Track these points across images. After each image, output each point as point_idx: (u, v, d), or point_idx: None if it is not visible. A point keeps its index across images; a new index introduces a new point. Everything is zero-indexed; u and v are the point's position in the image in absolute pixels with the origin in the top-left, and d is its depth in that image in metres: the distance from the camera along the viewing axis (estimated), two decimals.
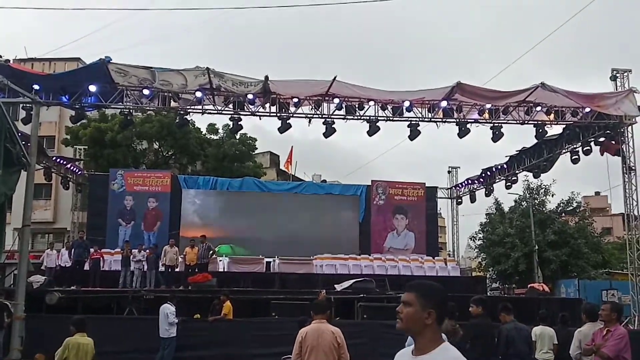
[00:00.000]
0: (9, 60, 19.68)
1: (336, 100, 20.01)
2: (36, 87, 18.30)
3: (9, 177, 13.74)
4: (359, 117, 20.37)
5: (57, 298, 16.36)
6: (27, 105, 18.51)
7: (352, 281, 18.50)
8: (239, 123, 20.26)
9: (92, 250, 19.56)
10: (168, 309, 13.83)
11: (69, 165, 28.12)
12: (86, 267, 19.35)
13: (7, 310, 14.36)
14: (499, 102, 20.35)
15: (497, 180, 28.67)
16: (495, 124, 20.64)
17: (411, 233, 28.11)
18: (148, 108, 22.92)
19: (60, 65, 34.65)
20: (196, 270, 18.74)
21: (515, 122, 21.01)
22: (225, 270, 21.25)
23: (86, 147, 33.44)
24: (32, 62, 32.15)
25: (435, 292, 2.71)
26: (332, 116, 20.24)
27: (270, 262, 22.11)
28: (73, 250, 19.37)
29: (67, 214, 31.99)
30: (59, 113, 35.93)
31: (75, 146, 33.57)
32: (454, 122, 20.76)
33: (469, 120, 20.85)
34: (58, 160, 27.70)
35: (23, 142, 14.96)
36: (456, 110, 20.62)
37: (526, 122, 20.95)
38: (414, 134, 20.61)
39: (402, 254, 26.01)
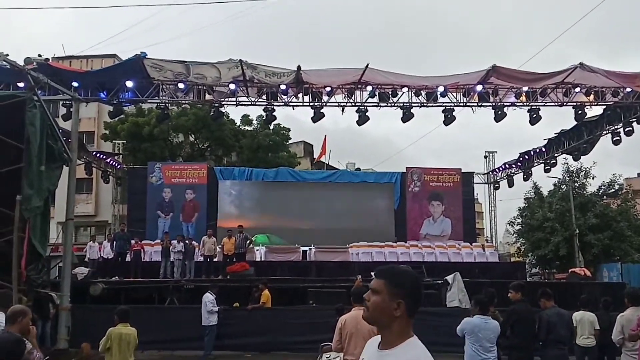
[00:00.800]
0: (48, 59, 20.05)
1: (369, 88, 19.84)
2: (75, 84, 18.65)
3: (52, 172, 14.22)
4: (393, 104, 20.17)
5: (100, 289, 16.82)
6: (67, 102, 18.97)
7: None
8: (273, 114, 20.34)
9: (133, 242, 20.01)
10: (208, 298, 14.17)
11: (108, 160, 28.83)
12: (127, 258, 19.82)
13: (53, 301, 14.89)
14: (536, 84, 19.88)
15: (536, 164, 28.13)
16: (533, 107, 20.21)
17: (447, 219, 27.90)
18: (183, 102, 23.17)
19: (97, 61, 35.33)
20: (234, 259, 19.03)
21: (553, 104, 20.49)
22: (263, 259, 21.52)
23: (124, 141, 34.19)
24: (70, 60, 32.78)
25: (408, 281, 2.41)
26: (366, 104, 20.09)
27: (306, 250, 22.28)
28: (115, 242, 19.84)
29: (108, 207, 32.78)
30: (97, 109, 36.86)
31: (113, 141, 34.44)
32: (490, 106, 20.36)
33: (505, 104, 20.44)
34: (98, 155, 28.35)
35: (64, 139, 15.46)
36: (492, 94, 20.22)
37: (565, 103, 20.41)
38: (448, 119, 20.32)
39: (439, 241, 25.88)
